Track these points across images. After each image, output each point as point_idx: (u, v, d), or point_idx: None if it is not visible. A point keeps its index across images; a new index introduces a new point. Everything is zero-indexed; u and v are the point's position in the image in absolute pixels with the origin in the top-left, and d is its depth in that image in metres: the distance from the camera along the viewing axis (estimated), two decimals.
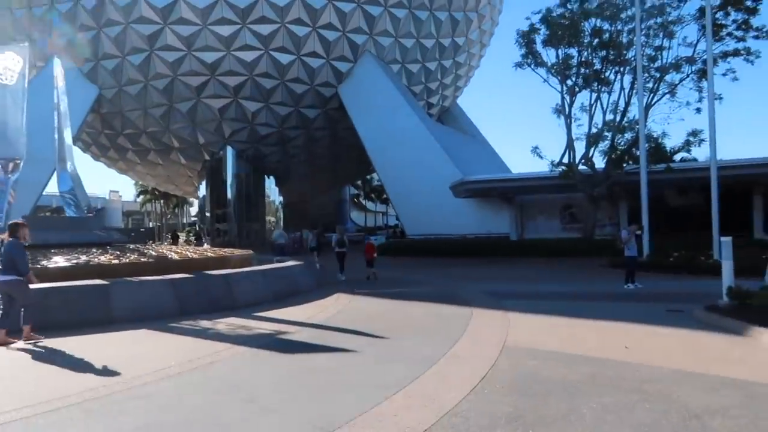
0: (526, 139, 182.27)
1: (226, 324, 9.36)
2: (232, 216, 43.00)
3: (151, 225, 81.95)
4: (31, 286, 8.05)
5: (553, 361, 6.32)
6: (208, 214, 45.57)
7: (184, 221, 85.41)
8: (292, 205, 55.13)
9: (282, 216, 52.12)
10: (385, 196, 58.99)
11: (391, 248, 31.57)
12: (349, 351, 7.13)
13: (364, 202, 71.84)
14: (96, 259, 11.48)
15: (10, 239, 7.99)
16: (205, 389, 5.49)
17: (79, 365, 6.55)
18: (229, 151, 41.14)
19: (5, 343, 7.59)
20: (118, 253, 12.72)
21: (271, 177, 46.96)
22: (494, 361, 6.38)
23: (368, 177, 63.43)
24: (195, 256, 13.22)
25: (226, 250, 16.90)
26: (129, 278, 10.33)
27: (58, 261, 11.15)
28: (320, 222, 56.54)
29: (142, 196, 69.55)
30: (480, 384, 5.38)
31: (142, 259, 11.89)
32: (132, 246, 15.13)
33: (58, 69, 16.36)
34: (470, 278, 17.49)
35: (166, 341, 8.10)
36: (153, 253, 13.28)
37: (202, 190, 46.27)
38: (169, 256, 12.75)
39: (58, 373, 6.31)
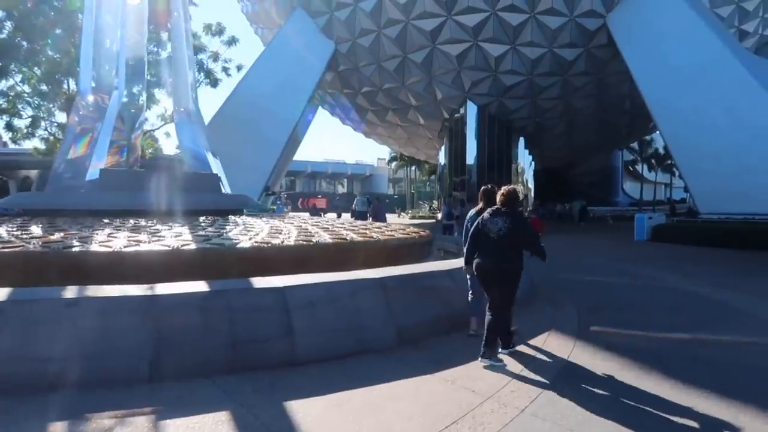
0: None
1: None
2: (474, 184, 37.41)
3: (406, 193, 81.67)
4: None
5: None
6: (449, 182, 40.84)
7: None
8: (548, 172, 47.30)
9: (534, 185, 44.80)
10: (668, 162, 47.02)
11: (671, 233, 22.29)
12: None
13: (641, 170, 59.37)
14: (111, 240, 6.73)
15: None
16: None
17: None
18: (470, 106, 35.55)
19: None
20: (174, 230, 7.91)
21: (521, 138, 39.90)
22: None
23: (647, 138, 51.64)
24: (289, 242, 7.64)
25: (377, 227, 10.94)
26: (98, 290, 5.08)
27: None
28: (585, 194, 47.84)
29: (394, 162, 68.63)
30: None
31: (171, 247, 6.71)
32: (242, 219, 10.44)
33: None
34: None
35: None
36: (233, 233, 8.15)
37: (443, 155, 41.58)
38: (239, 242, 7.38)
39: None
